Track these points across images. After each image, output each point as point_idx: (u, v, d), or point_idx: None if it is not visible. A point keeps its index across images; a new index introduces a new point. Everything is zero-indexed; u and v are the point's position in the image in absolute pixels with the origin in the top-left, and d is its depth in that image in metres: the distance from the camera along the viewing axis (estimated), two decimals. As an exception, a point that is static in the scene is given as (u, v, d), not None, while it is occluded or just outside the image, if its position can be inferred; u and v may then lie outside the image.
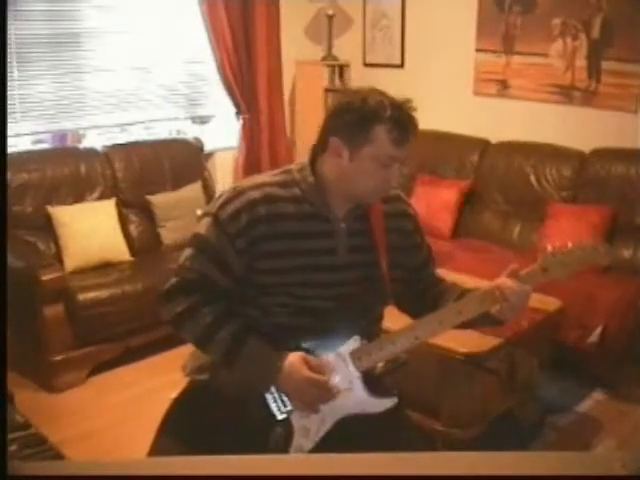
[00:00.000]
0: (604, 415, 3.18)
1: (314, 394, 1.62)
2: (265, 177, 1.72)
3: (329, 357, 1.67)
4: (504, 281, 1.64)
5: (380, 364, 1.78)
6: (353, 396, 1.66)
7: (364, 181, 1.63)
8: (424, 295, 1.83)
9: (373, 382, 1.70)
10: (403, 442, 1.77)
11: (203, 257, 1.66)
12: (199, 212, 2.93)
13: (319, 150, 1.69)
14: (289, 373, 1.61)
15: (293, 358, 1.62)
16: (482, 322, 1.72)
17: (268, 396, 1.67)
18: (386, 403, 1.69)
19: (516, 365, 2.90)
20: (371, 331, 1.74)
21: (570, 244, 1.66)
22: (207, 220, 1.67)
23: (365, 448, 1.58)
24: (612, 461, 0.87)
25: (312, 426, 1.66)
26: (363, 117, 1.59)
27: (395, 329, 1.72)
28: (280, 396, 1.67)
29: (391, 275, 1.73)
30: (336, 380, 1.65)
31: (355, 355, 1.66)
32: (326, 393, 1.63)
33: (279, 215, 1.64)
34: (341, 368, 1.66)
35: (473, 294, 1.67)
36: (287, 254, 1.65)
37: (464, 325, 1.71)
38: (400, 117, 1.59)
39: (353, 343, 1.67)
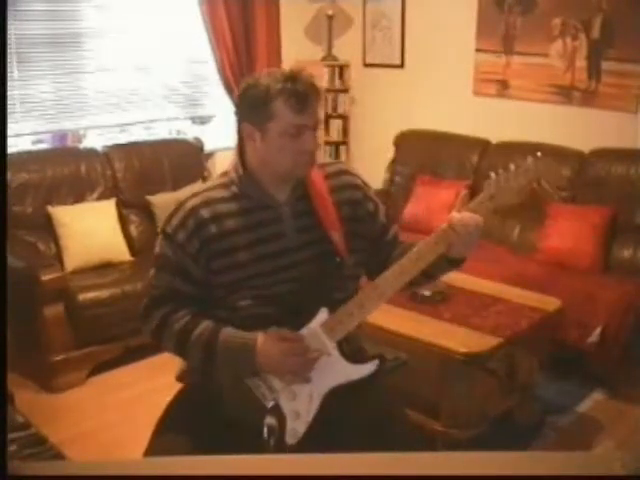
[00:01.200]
0: (604, 415, 3.18)
1: (296, 362, 1.66)
2: (204, 185, 1.83)
3: (301, 333, 1.69)
4: (452, 216, 1.67)
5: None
6: (333, 366, 1.69)
7: (280, 156, 1.69)
8: (389, 259, 1.85)
9: (351, 350, 1.73)
10: (389, 415, 1.80)
11: (164, 272, 1.75)
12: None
13: (240, 141, 1.76)
14: (265, 350, 1.65)
15: (266, 335, 1.66)
16: (443, 267, 1.75)
17: (252, 385, 1.69)
18: (368, 368, 1.72)
19: (516, 365, 2.90)
20: None
21: (512, 165, 1.68)
22: (160, 238, 1.77)
23: (356, 424, 1.60)
24: (612, 461, 0.87)
25: (301, 407, 1.69)
26: (259, 95, 1.66)
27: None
28: (264, 382, 1.69)
29: (352, 246, 1.77)
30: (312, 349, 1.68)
31: (327, 327, 1.69)
32: (307, 357, 1.66)
33: (222, 215, 1.72)
34: (315, 342, 1.68)
35: (427, 239, 1.70)
36: (238, 249, 1.71)
37: (428, 275, 1.75)
38: (294, 86, 1.65)
39: (322, 315, 1.69)
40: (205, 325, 1.70)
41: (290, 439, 1.67)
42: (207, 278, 1.72)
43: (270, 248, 1.73)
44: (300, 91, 1.64)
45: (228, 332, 1.68)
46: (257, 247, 1.72)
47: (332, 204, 1.77)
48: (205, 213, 1.71)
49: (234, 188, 1.75)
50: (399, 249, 1.85)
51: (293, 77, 1.66)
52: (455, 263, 1.75)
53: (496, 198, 1.68)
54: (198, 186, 1.84)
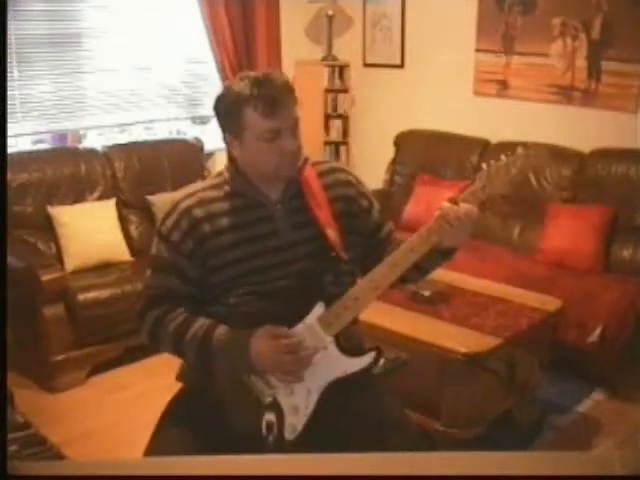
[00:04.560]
0: (604, 415, 3.18)
1: (290, 360, 1.65)
2: (197, 185, 1.85)
3: (298, 328, 1.69)
4: (444, 206, 1.67)
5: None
6: (330, 360, 1.70)
7: (261, 161, 1.71)
8: (384, 255, 1.84)
9: (347, 344, 1.74)
10: (387, 412, 1.80)
11: (159, 273, 1.77)
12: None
13: (227, 146, 1.79)
14: (258, 348, 1.65)
15: (259, 332, 1.66)
16: (435, 259, 1.76)
17: (249, 382, 1.69)
18: (365, 360, 1.72)
19: (516, 365, 2.90)
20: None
21: (503, 156, 1.70)
22: (155, 239, 1.80)
23: (354, 420, 1.62)
24: (612, 461, 0.87)
25: (300, 402, 1.69)
26: (229, 106, 1.69)
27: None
28: (262, 378, 1.69)
29: (347, 242, 1.78)
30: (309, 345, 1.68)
31: (323, 321, 1.69)
32: (302, 355, 1.67)
33: (216, 214, 1.74)
34: (312, 336, 1.69)
35: (419, 231, 1.70)
36: (233, 246, 1.73)
37: (420, 269, 1.76)
38: (262, 91, 1.65)
39: (318, 310, 1.70)
40: (200, 324, 1.71)
41: (289, 435, 1.68)
42: (203, 277, 1.74)
43: (263, 245, 1.74)
44: (268, 95, 1.64)
45: (222, 330, 1.69)
46: (250, 244, 1.74)
47: (326, 201, 1.79)
48: (199, 213, 1.74)
49: (227, 187, 1.78)
50: (393, 245, 1.86)
51: (260, 82, 1.65)
52: (447, 254, 1.77)
53: (488, 189, 1.70)
54: (192, 187, 1.87)
